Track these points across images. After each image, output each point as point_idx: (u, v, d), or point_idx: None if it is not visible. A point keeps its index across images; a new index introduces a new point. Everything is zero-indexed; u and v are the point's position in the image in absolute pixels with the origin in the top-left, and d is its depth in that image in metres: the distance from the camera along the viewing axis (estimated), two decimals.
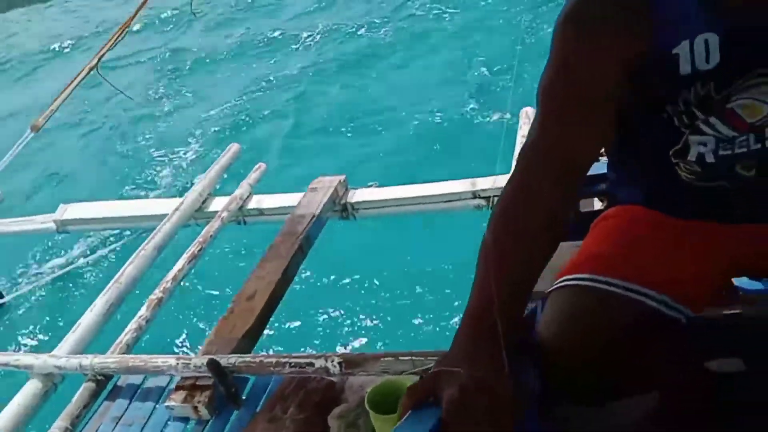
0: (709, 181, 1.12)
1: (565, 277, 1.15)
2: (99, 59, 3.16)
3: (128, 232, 3.11)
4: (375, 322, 3.39)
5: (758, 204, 1.13)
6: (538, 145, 1.08)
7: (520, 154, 1.11)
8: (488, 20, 6.54)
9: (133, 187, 5.22)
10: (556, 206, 1.07)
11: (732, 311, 1.45)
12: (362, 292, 3.57)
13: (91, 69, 3.20)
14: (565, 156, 1.05)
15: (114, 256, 2.98)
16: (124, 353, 1.97)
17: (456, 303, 3.32)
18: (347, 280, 3.67)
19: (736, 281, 1.38)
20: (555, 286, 1.15)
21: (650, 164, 1.19)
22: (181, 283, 2.32)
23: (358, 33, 7.23)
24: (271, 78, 6.85)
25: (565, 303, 1.11)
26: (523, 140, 3.13)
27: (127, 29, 3.03)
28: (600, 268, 1.13)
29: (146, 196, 4.91)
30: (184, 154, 5.59)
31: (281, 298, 2.14)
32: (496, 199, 2.66)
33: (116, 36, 3.16)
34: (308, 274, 3.47)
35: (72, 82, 3.20)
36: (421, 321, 3.33)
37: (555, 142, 1.06)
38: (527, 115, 3.08)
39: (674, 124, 1.08)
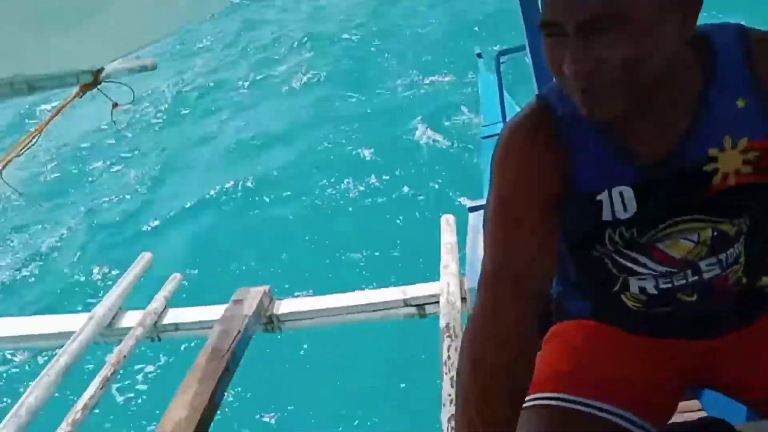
0: (654, 308, 1.16)
1: (528, 396, 1.13)
2: (4, 165, 2.96)
3: (23, 354, 2.80)
4: None
5: (702, 323, 1.17)
6: (490, 275, 1.09)
7: (478, 285, 1.11)
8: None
9: (27, 301, 4.77)
10: (522, 334, 1.05)
11: (686, 419, 1.49)
12: (298, 413, 3.36)
13: None
14: (517, 282, 1.06)
15: (6, 384, 2.65)
16: None
17: None
18: (281, 399, 3.44)
19: (689, 392, 1.43)
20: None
21: (595, 292, 1.23)
22: (93, 413, 2.08)
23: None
24: (185, 177, 6.71)
25: (532, 424, 1.11)
26: (447, 246, 3.14)
27: (39, 136, 2.88)
28: (562, 386, 1.15)
29: (45, 312, 4.49)
30: (89, 264, 5.24)
31: (209, 426, 1.96)
32: (428, 307, 2.65)
33: (27, 141, 2.98)
34: (237, 395, 3.24)
35: None
36: None
37: (505, 270, 1.07)
38: (447, 222, 3.16)
39: (608, 267, 1.13)
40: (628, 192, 1.04)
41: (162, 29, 2.46)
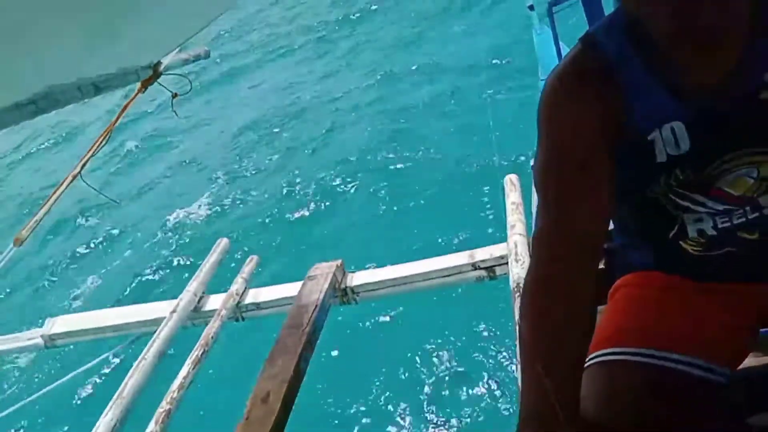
0: (715, 250, 1.13)
1: (596, 353, 1.15)
2: (82, 167, 3.12)
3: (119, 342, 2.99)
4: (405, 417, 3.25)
5: (766, 263, 1.14)
6: (547, 228, 1.08)
7: (533, 241, 1.11)
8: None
9: (124, 292, 5.10)
10: (581, 286, 1.06)
11: (763, 362, 1.45)
12: (381, 379, 3.46)
13: (74, 177, 3.14)
14: (576, 232, 1.05)
15: (108, 370, 2.84)
16: None
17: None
18: (362, 368, 3.56)
19: (762, 332, 1.39)
20: (588, 363, 1.13)
21: (655, 241, 1.21)
22: (189, 390, 2.22)
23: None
24: (254, 165, 6.90)
25: (601, 379, 1.11)
26: (513, 206, 3.11)
27: (109, 135, 3.01)
28: (630, 339, 1.15)
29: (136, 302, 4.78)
30: (173, 251, 5.51)
31: (296, 396, 2.05)
32: (497, 269, 2.65)
33: (98, 142, 3.13)
34: (318, 365, 3.36)
35: (55, 192, 3.13)
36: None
37: (563, 220, 1.06)
38: (512, 182, 3.11)
39: (665, 207, 1.11)
40: (680, 127, 1.01)
41: (212, 13, 2.52)
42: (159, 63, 2.55)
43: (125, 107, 2.99)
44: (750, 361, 1.28)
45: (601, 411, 1.05)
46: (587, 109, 1.04)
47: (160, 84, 2.72)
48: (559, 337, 1.01)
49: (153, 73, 2.59)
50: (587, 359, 1.13)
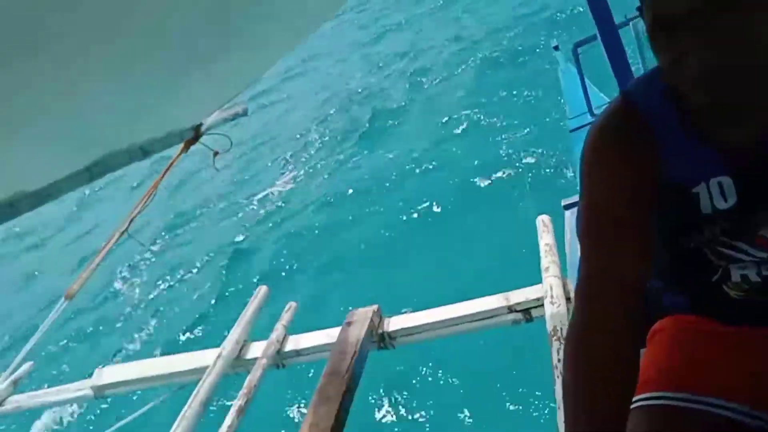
0: (758, 295, 1.14)
1: (637, 397, 1.15)
2: (129, 223, 3.25)
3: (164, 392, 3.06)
4: None
5: None
6: (587, 278, 1.10)
7: (575, 290, 1.13)
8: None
9: (166, 342, 5.21)
10: (625, 334, 1.07)
11: None
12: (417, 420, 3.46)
13: (121, 234, 3.27)
14: (618, 281, 1.06)
15: (155, 419, 2.90)
16: None
17: None
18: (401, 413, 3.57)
19: None
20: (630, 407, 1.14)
21: (695, 285, 1.22)
22: None
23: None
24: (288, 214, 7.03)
25: (642, 425, 1.11)
26: (546, 248, 3.12)
27: (154, 192, 3.15)
28: (671, 384, 1.16)
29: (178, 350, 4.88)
30: (213, 301, 5.63)
31: None
32: (533, 312, 2.66)
33: (144, 200, 3.27)
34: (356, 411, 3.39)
35: (103, 248, 3.27)
36: None
37: (603, 269, 1.08)
38: (544, 223, 3.14)
39: (707, 257, 1.12)
40: (728, 182, 1.03)
41: (252, 75, 2.65)
42: (201, 124, 2.69)
43: (169, 167, 3.12)
44: None
45: None
46: (626, 165, 1.07)
47: (203, 143, 2.86)
48: (602, 382, 1.02)
49: (195, 134, 2.72)
50: None
